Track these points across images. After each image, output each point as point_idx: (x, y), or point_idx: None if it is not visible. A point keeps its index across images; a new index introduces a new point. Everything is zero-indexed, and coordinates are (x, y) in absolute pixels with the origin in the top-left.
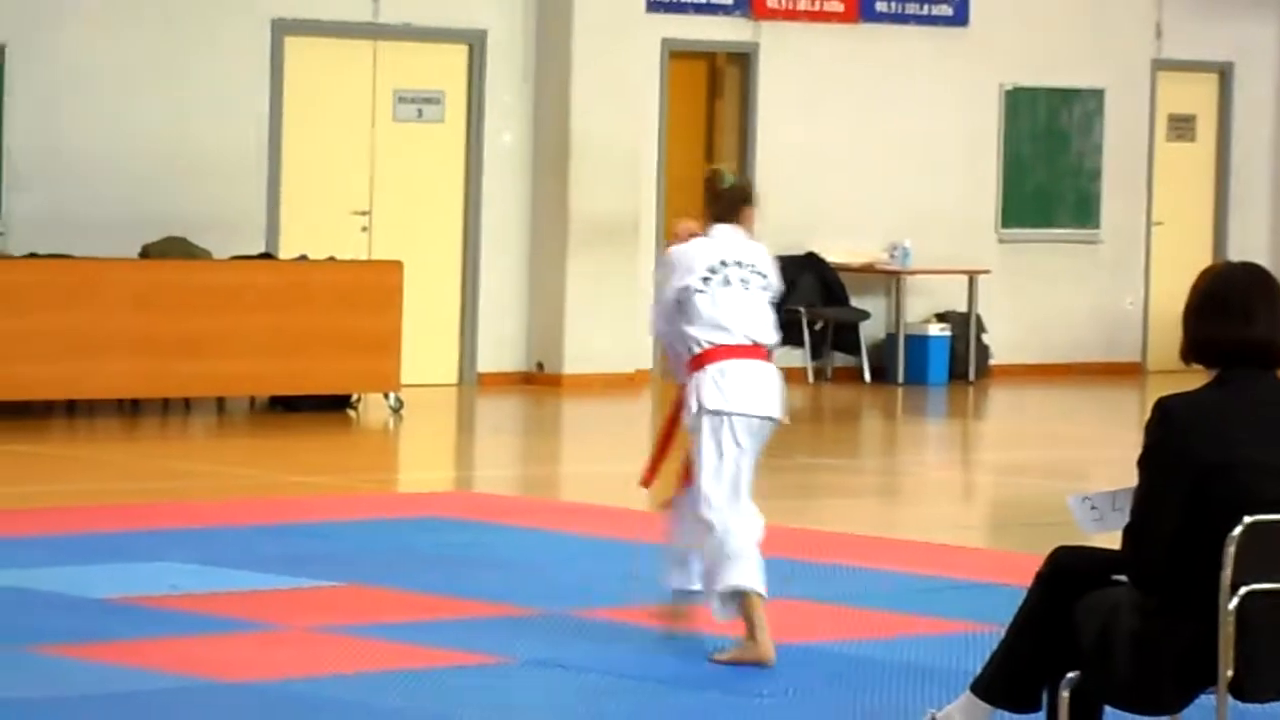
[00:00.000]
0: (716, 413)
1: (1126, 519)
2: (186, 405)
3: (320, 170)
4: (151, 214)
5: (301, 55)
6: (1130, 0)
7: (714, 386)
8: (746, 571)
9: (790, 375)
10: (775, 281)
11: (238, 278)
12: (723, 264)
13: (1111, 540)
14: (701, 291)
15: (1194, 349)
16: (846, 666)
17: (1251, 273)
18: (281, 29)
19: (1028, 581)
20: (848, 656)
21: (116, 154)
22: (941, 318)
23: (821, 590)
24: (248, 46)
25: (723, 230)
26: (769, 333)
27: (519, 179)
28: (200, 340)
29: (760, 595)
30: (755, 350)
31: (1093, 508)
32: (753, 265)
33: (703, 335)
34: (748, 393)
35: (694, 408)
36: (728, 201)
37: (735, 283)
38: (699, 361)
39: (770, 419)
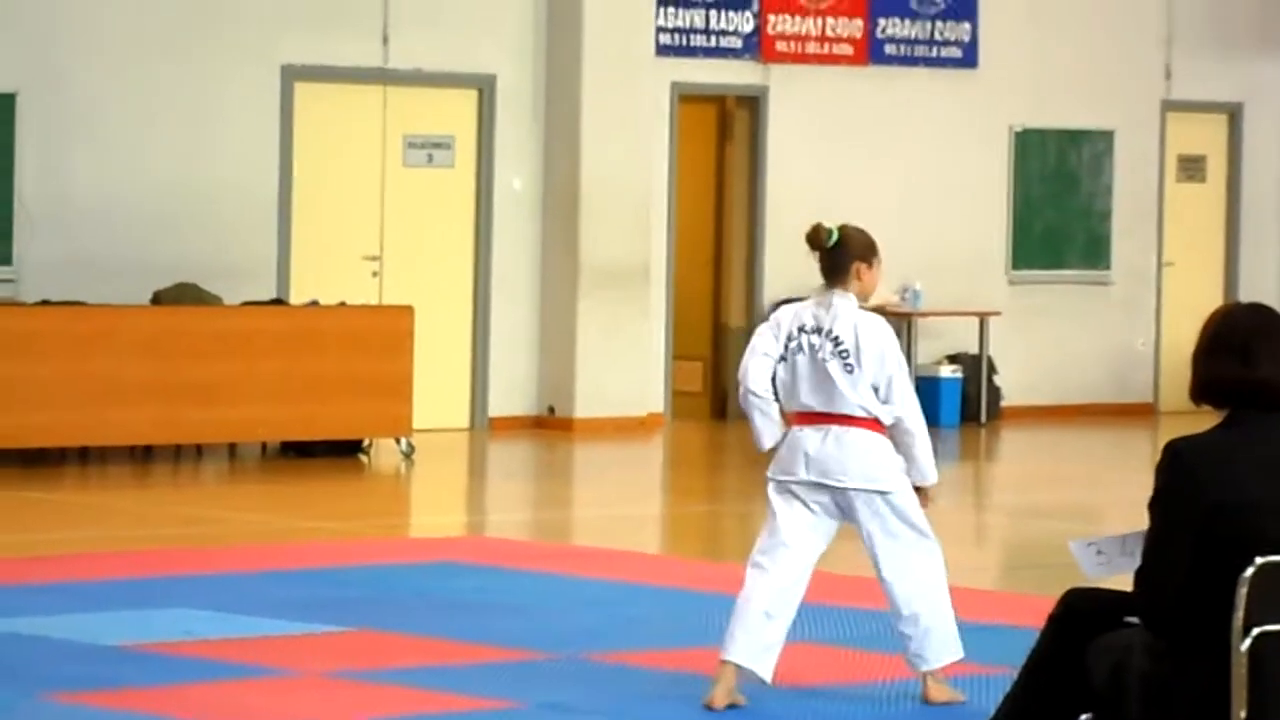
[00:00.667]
0: (769, 479)
1: (1136, 562)
2: (199, 451)
3: (331, 216)
4: (163, 260)
5: (312, 101)
6: (1139, 41)
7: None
8: (731, 641)
9: None
10: (861, 348)
11: (249, 323)
12: (801, 330)
13: (1123, 582)
14: (782, 359)
15: (1202, 390)
16: (861, 710)
17: (1258, 313)
18: (292, 75)
19: (1040, 623)
20: (862, 699)
21: (128, 200)
22: (953, 359)
23: (835, 634)
24: (258, 93)
25: (826, 294)
26: (828, 402)
27: (529, 223)
28: (212, 386)
29: (735, 665)
30: (820, 418)
31: (1099, 552)
32: (829, 332)
33: (783, 403)
34: (789, 460)
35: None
36: (831, 262)
37: (805, 349)
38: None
39: (817, 484)
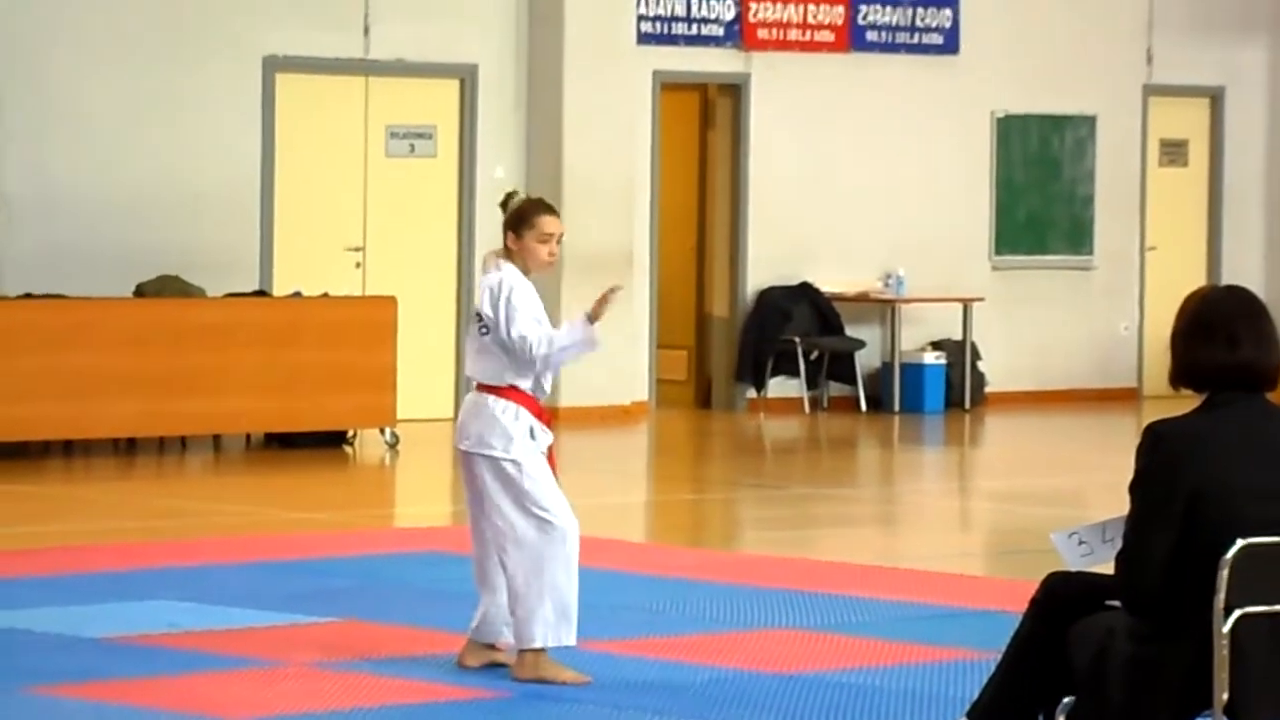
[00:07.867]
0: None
1: (1117, 548)
2: (183, 444)
3: (313, 207)
4: (145, 252)
5: (293, 92)
6: (1121, 25)
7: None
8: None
9: (787, 405)
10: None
11: (232, 315)
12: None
13: (1105, 566)
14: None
15: (1182, 373)
16: (846, 695)
17: (1237, 296)
18: (273, 66)
19: (1023, 608)
20: (847, 685)
21: (110, 192)
22: (936, 346)
23: (820, 620)
24: (239, 84)
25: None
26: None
27: None
28: (195, 378)
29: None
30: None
31: (1080, 542)
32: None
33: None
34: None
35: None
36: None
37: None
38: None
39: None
